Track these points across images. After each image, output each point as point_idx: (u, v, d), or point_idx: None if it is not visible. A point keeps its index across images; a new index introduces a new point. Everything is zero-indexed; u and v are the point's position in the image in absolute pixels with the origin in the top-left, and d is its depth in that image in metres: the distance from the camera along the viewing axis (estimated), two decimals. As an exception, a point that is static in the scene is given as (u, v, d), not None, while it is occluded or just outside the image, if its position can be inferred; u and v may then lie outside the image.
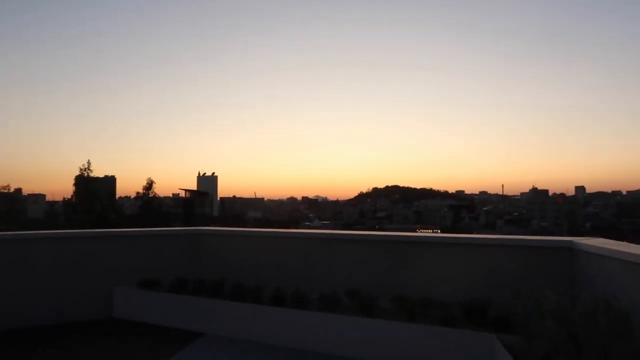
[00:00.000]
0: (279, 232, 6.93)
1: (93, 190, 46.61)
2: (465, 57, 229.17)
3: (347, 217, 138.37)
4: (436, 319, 4.47)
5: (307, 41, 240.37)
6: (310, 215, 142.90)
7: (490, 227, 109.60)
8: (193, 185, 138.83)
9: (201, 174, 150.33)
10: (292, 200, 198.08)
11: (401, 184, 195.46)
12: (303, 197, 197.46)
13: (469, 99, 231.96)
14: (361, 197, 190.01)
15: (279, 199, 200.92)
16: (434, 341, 4.37)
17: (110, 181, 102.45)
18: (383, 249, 5.72)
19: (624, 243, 4.26)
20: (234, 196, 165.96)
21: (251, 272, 6.30)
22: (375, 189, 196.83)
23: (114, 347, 5.13)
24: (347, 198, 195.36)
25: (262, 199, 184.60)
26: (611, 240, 4.72)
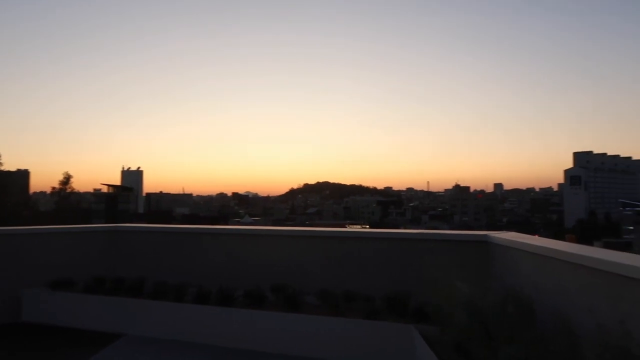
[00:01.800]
0: (205, 228, 6.77)
1: (3, 184, 43.22)
2: (393, 55, 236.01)
3: (278, 213, 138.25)
4: (360, 312, 4.56)
5: (238, 37, 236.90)
6: (241, 211, 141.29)
7: (416, 222, 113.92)
8: (116, 181, 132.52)
9: (125, 169, 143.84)
10: (221, 196, 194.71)
11: (332, 180, 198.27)
12: (233, 193, 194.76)
13: (397, 98, 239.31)
14: (292, 193, 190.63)
15: (208, 195, 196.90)
16: (357, 334, 4.46)
17: (23, 175, 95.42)
18: (310, 244, 5.75)
19: (533, 236, 4.57)
20: (161, 192, 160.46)
21: (175, 270, 6.11)
22: (306, 185, 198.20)
23: (22, 353, 4.78)
24: (278, 194, 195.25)
25: (191, 194, 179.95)
26: (522, 234, 5.05)
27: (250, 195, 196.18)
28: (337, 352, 4.49)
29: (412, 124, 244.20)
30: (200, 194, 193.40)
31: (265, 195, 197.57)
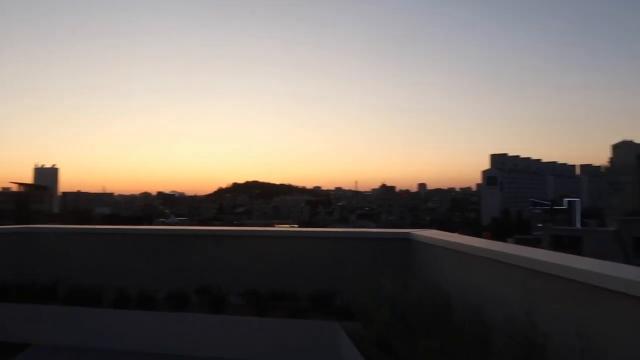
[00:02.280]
0: (126, 228, 6.46)
1: None
2: (322, 55, 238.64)
3: (206, 213, 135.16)
4: (286, 311, 4.55)
5: (162, 35, 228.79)
6: (166, 211, 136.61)
7: (344, 221, 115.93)
8: (29, 179, 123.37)
9: (39, 167, 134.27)
10: (145, 195, 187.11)
11: (261, 180, 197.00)
12: (158, 192, 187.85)
13: (326, 98, 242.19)
14: (220, 192, 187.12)
15: (131, 194, 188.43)
16: (283, 333, 4.45)
17: None
18: (237, 244, 5.66)
19: (451, 234, 4.79)
20: (79, 191, 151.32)
21: (92, 273, 5.77)
22: (235, 185, 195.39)
23: None
24: (206, 193, 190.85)
25: (112, 194, 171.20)
26: (441, 232, 5.28)
27: (176, 195, 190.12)
28: (263, 352, 4.45)
29: (341, 124, 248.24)
30: (122, 194, 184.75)
31: (192, 194, 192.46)
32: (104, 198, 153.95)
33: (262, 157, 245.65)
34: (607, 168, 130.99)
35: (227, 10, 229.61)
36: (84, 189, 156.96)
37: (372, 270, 5.04)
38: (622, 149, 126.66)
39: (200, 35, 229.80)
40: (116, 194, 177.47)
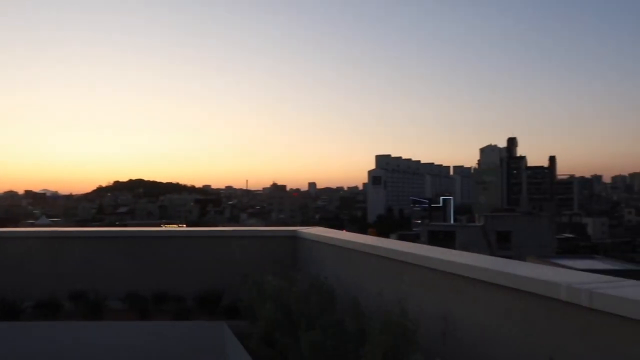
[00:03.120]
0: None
1: None
2: (210, 52, 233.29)
3: (83, 213, 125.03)
4: (170, 314, 4.42)
5: (42, 22, 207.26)
6: (36, 211, 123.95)
7: (234, 221, 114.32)
8: None
9: None
10: (11, 194, 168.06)
11: (146, 178, 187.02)
12: (26, 191, 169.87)
13: (215, 96, 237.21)
14: (100, 191, 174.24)
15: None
16: (167, 336, 4.31)
17: None
18: (116, 245, 5.36)
19: (334, 230, 5.00)
20: None
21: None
22: (117, 183, 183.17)
23: None
24: (84, 192, 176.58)
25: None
26: (327, 229, 5.48)
27: (48, 194, 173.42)
28: (146, 357, 4.27)
29: (232, 122, 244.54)
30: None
31: (67, 193, 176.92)
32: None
33: (148, 154, 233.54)
34: (475, 169, 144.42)
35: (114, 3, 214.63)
36: None
37: (259, 268, 5.08)
38: (488, 152, 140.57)
39: (89, 22, 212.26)
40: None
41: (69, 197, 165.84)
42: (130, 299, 4.61)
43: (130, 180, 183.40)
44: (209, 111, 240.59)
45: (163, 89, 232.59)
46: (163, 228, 7.88)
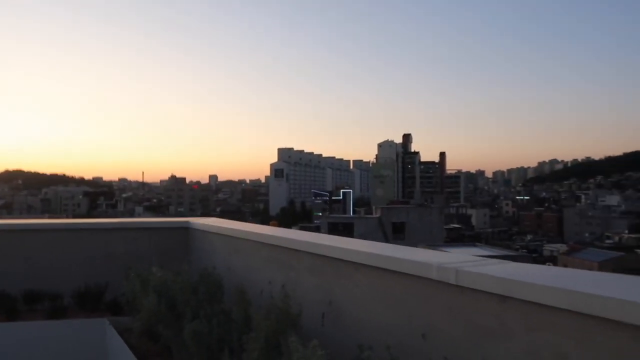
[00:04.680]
0: None
1: None
2: (108, 42, 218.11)
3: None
4: (44, 313, 4.06)
5: None
6: None
7: (129, 214, 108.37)
8: None
9: None
10: None
11: (26, 169, 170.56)
12: None
13: (110, 85, 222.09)
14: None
15: None
16: (41, 336, 3.96)
17: None
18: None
19: (225, 220, 4.91)
20: None
21: None
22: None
23: None
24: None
25: None
26: (220, 219, 5.38)
27: None
28: (18, 362, 3.89)
29: (126, 112, 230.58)
30: None
31: None
32: None
33: (29, 144, 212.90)
34: (373, 163, 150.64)
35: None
36: None
37: (147, 261, 4.85)
38: (385, 147, 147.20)
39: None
40: None
41: None
42: (-5, 299, 4.15)
43: (7, 171, 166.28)
44: (100, 99, 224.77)
45: (51, 67, 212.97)
46: (37, 220, 7.19)
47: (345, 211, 76.25)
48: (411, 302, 2.31)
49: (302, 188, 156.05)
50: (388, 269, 2.37)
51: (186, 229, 5.13)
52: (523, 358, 1.83)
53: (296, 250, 3.10)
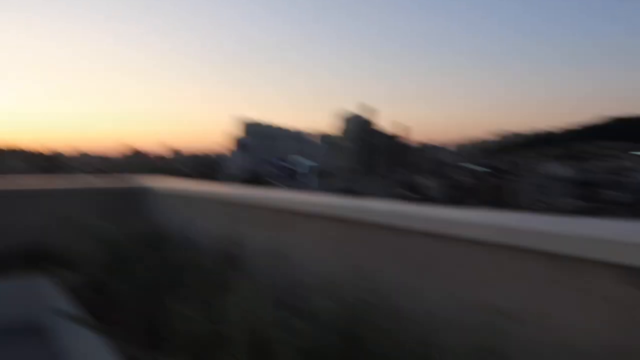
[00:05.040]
0: None
1: None
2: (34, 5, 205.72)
3: None
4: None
5: None
6: None
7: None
8: None
9: None
10: None
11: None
12: None
13: (49, 49, 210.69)
14: None
15: None
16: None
17: None
18: None
19: (181, 180, 4.88)
20: None
21: None
22: None
23: None
24: None
25: None
26: (171, 178, 5.32)
27: None
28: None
29: (78, 83, 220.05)
30: None
31: None
32: None
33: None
34: (335, 135, 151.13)
35: None
36: None
37: (96, 221, 4.75)
38: (346, 119, 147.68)
39: None
40: None
41: None
42: None
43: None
44: (40, 64, 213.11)
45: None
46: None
47: (308, 183, 76.57)
48: (347, 243, 2.40)
49: (262, 159, 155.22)
50: (327, 215, 2.45)
51: (139, 189, 5.06)
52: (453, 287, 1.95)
53: (245, 205, 3.14)
